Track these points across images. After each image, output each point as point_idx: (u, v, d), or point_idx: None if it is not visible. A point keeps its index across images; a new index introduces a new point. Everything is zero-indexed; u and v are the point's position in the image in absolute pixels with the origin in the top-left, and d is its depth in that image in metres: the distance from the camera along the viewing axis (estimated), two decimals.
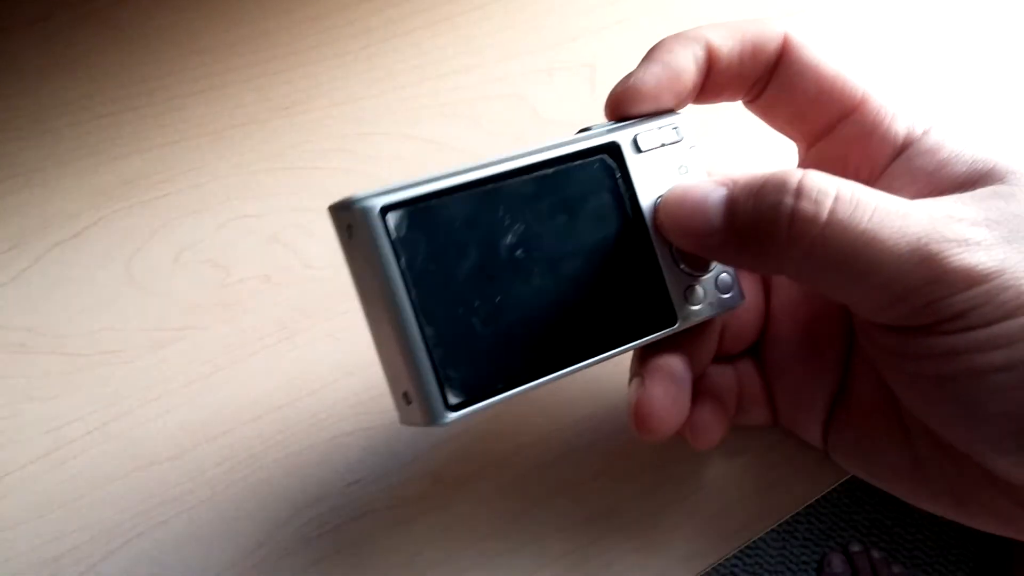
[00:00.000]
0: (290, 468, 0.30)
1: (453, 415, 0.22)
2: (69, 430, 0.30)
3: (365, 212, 0.21)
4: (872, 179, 0.27)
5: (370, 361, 0.32)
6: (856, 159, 0.26)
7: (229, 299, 0.33)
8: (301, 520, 0.29)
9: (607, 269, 0.25)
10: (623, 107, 0.26)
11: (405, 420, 0.23)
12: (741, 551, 0.28)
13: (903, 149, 0.26)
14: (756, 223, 0.23)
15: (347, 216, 0.22)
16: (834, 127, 0.27)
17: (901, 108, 0.26)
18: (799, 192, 0.22)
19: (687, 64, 0.26)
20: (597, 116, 0.26)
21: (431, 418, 0.22)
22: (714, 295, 0.26)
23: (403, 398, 0.23)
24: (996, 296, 0.21)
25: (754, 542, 0.29)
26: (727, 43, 0.26)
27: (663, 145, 0.26)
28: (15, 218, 0.33)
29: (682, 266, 0.26)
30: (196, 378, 0.31)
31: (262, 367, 0.32)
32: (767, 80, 0.27)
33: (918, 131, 0.26)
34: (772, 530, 0.29)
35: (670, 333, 0.26)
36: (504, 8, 0.41)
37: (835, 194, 0.22)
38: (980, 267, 0.21)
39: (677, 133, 0.26)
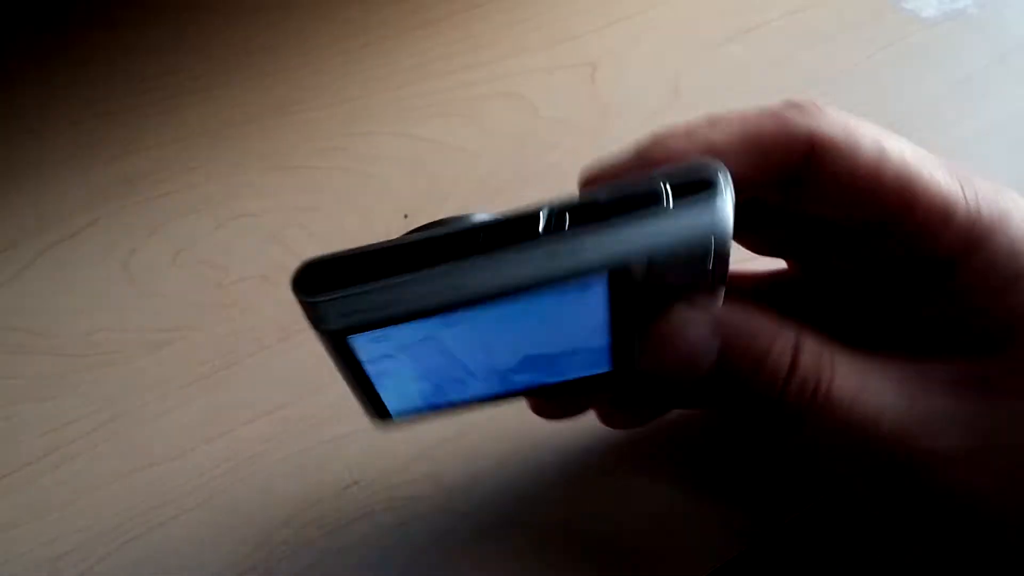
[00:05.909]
0: (289, 470, 0.30)
1: (391, 423, 0.24)
2: (67, 431, 0.30)
3: (327, 332, 0.20)
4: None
5: None
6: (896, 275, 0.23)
7: (227, 299, 0.33)
8: (300, 522, 0.29)
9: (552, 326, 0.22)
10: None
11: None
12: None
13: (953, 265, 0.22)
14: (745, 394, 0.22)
15: (308, 309, 0.19)
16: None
17: (948, 211, 0.22)
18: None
19: None
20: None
21: (378, 426, 0.24)
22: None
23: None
24: None
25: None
26: (733, 150, 0.22)
27: None
28: (12, 218, 0.33)
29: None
30: (194, 379, 0.31)
31: (261, 368, 0.31)
32: (785, 188, 0.23)
33: (960, 248, 0.22)
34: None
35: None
36: (504, 7, 0.41)
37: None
38: None
39: None
